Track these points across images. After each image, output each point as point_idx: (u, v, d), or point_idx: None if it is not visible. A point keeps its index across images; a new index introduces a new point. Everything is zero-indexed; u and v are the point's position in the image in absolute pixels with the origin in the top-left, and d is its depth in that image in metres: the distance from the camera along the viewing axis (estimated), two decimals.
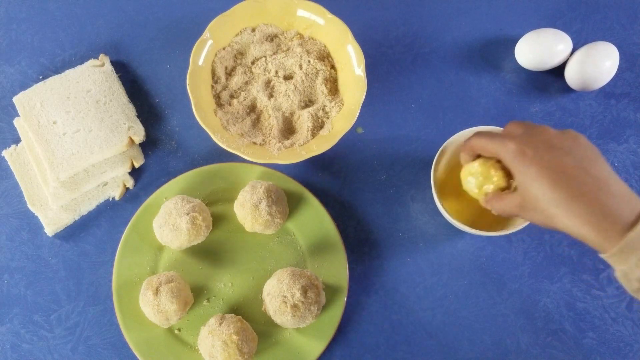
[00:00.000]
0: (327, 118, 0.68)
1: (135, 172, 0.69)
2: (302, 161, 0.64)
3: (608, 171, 0.48)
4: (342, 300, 0.63)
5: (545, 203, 0.47)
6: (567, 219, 0.46)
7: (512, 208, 0.51)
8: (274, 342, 0.63)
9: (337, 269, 0.64)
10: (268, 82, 0.69)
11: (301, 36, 0.71)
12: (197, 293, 0.64)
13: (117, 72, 0.71)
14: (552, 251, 0.66)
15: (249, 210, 0.61)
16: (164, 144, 0.70)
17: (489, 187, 0.54)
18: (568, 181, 0.46)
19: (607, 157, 0.70)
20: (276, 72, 0.70)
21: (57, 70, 0.71)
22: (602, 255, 0.46)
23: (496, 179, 0.53)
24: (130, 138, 0.67)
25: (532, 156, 0.48)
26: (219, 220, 0.66)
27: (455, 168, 0.65)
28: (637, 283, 0.45)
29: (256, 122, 0.69)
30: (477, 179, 0.54)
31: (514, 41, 0.72)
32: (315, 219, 0.66)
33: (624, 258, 0.44)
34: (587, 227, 0.45)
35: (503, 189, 0.53)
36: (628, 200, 0.46)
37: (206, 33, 0.68)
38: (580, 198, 0.46)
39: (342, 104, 0.68)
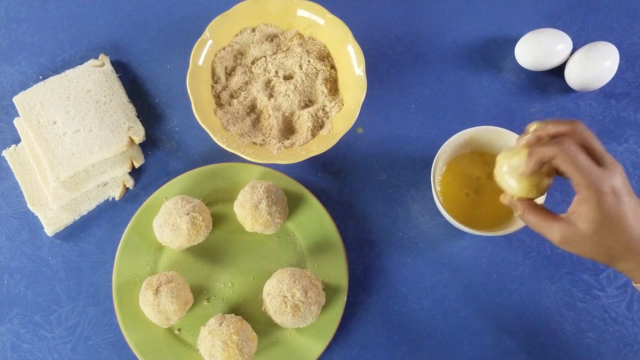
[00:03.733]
0: (327, 118, 0.68)
1: (135, 172, 0.69)
2: (302, 161, 0.64)
3: None
4: (342, 300, 0.63)
5: (613, 243, 0.46)
6: (628, 262, 0.47)
7: (558, 236, 0.47)
8: (274, 342, 0.63)
9: (337, 269, 0.64)
10: (268, 82, 0.69)
11: (301, 36, 0.71)
12: (197, 293, 0.64)
13: (117, 72, 0.71)
14: (552, 251, 0.66)
15: (249, 210, 0.61)
16: (164, 144, 0.70)
17: (529, 190, 0.49)
18: (638, 224, 0.46)
19: None
20: (276, 72, 0.70)
21: (57, 70, 0.71)
22: (635, 285, 0.48)
23: (544, 186, 0.48)
24: (130, 138, 0.67)
25: (617, 198, 0.45)
26: (219, 220, 0.66)
27: (454, 168, 0.65)
28: None
29: (256, 122, 0.69)
30: (525, 178, 0.48)
31: (514, 41, 0.72)
32: (315, 219, 0.66)
33: None
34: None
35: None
36: None
37: (206, 33, 0.68)
38: None
39: (342, 104, 0.68)
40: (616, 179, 0.45)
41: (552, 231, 0.48)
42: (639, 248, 0.46)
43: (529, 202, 0.50)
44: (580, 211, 0.46)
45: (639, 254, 0.46)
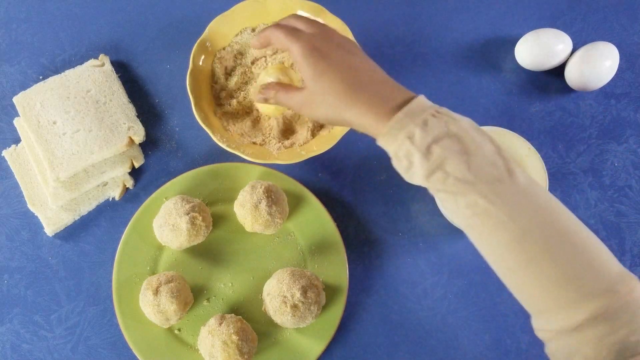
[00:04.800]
0: None
1: (135, 172, 0.69)
2: (302, 161, 0.64)
3: (385, 75, 0.52)
4: (342, 300, 0.63)
5: (333, 95, 0.50)
6: (351, 107, 0.49)
7: (297, 102, 0.54)
8: (274, 342, 0.63)
9: (337, 269, 0.64)
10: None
11: None
12: (197, 293, 0.64)
13: (117, 72, 0.71)
14: None
15: (249, 210, 0.61)
16: (164, 144, 0.70)
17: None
18: (354, 74, 0.50)
19: (607, 157, 0.70)
20: None
21: (57, 70, 0.71)
22: (378, 142, 0.49)
23: (294, 78, 0.59)
24: (130, 138, 0.67)
25: (324, 52, 0.51)
26: (219, 220, 0.66)
27: None
28: (405, 160, 0.47)
29: (256, 122, 0.68)
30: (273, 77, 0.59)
31: (514, 41, 0.72)
32: (315, 219, 0.66)
33: (394, 136, 0.47)
34: (368, 115, 0.49)
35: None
36: (401, 91, 0.50)
37: (206, 33, 0.68)
38: (363, 88, 0.49)
39: None
40: (316, 38, 0.52)
41: (293, 99, 0.54)
42: (355, 96, 0.49)
43: (276, 83, 0.56)
44: (302, 75, 0.52)
45: (358, 102, 0.49)
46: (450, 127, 0.46)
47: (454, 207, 0.47)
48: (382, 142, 0.49)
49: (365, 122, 0.49)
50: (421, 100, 0.49)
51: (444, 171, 0.46)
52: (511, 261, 0.46)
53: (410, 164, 0.47)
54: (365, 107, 0.49)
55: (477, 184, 0.45)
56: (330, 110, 0.51)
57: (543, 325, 0.46)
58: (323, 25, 0.54)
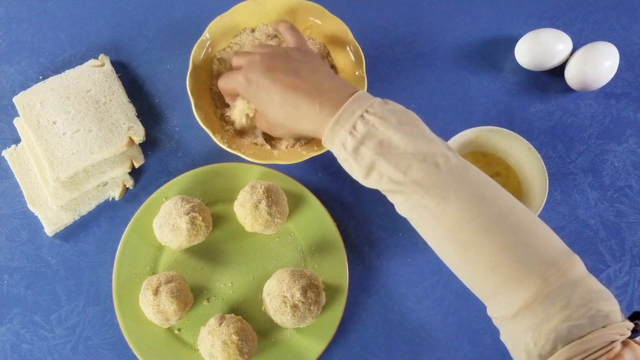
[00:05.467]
0: None
1: (135, 172, 0.69)
2: (302, 161, 0.64)
3: (325, 73, 0.54)
4: (342, 300, 0.63)
5: (279, 119, 0.54)
6: (297, 127, 0.53)
7: (264, 127, 0.60)
8: (274, 342, 0.63)
9: (337, 269, 0.64)
10: None
11: None
12: (197, 293, 0.64)
13: (117, 72, 0.71)
14: None
15: (249, 210, 0.61)
16: (164, 144, 0.70)
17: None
18: (287, 94, 0.52)
19: (607, 157, 0.70)
20: None
21: (57, 70, 0.71)
22: (324, 144, 0.52)
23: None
24: (130, 138, 0.67)
25: (256, 81, 0.55)
26: (219, 220, 0.66)
27: None
28: (346, 164, 0.50)
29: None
30: (245, 114, 0.63)
31: (514, 41, 0.72)
32: (315, 219, 0.66)
33: (331, 144, 0.50)
34: (310, 128, 0.52)
35: None
36: (339, 91, 0.52)
37: (206, 34, 0.68)
38: (298, 105, 0.52)
39: None
40: (250, 71, 0.55)
41: (260, 121, 0.60)
42: (296, 120, 0.53)
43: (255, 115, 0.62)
44: (254, 104, 0.58)
45: (300, 122, 0.53)
46: (377, 130, 0.48)
47: (396, 203, 0.50)
48: (327, 145, 0.52)
49: (312, 133, 0.53)
50: (357, 98, 0.50)
51: (378, 171, 0.48)
52: (450, 251, 0.48)
53: (350, 167, 0.50)
54: (306, 122, 0.52)
55: (407, 183, 0.47)
56: (285, 130, 0.57)
57: (491, 313, 0.47)
58: (264, 47, 0.59)
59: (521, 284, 0.43)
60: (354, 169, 0.50)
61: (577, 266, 0.44)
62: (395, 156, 0.47)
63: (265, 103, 0.55)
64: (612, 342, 0.41)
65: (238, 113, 0.63)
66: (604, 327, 0.41)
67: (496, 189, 0.47)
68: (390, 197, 0.50)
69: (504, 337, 0.47)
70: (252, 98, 0.56)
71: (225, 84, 0.60)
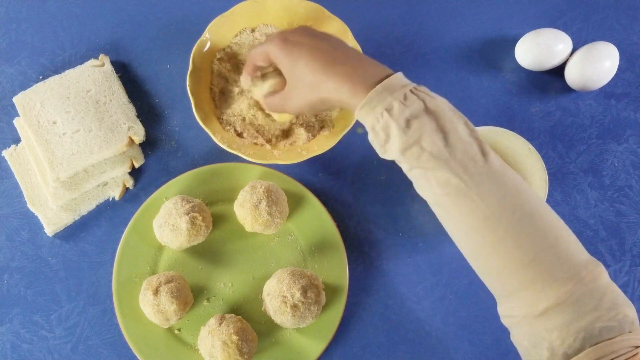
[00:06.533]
0: (328, 118, 0.68)
1: (135, 172, 0.69)
2: (302, 161, 0.64)
3: (364, 55, 0.53)
4: (342, 300, 0.63)
5: (310, 74, 0.51)
6: (327, 82, 0.50)
7: (280, 99, 0.57)
8: (274, 342, 0.63)
9: (337, 269, 0.64)
10: None
11: None
12: (197, 293, 0.64)
13: (117, 72, 0.71)
14: None
15: (249, 210, 0.61)
16: (164, 144, 0.70)
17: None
18: (329, 53, 0.51)
19: (607, 157, 0.70)
20: None
21: (57, 70, 0.71)
22: (356, 115, 0.50)
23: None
24: (130, 138, 0.67)
25: (294, 41, 0.53)
26: (219, 220, 0.66)
27: None
28: (382, 133, 0.48)
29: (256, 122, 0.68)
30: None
31: (514, 41, 0.72)
32: (315, 219, 0.66)
33: (372, 108, 0.48)
34: (344, 87, 0.49)
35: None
36: (379, 67, 0.51)
37: (206, 34, 0.68)
38: (339, 64, 0.51)
39: None
40: (288, 33, 0.54)
41: (278, 97, 0.58)
42: (331, 71, 0.50)
43: (269, 92, 0.60)
44: (281, 68, 0.55)
45: (334, 76, 0.50)
46: (429, 104, 0.47)
47: (427, 185, 0.48)
48: (360, 115, 0.49)
49: (343, 95, 0.50)
50: (399, 76, 0.49)
51: (420, 146, 0.46)
52: (479, 241, 0.46)
53: (387, 137, 0.48)
54: (341, 80, 0.50)
55: (451, 162, 0.46)
56: (309, 92, 0.53)
57: (508, 311, 0.47)
58: (297, 27, 0.57)
59: (555, 282, 0.43)
60: (394, 139, 0.47)
61: (605, 273, 0.45)
62: (444, 134, 0.46)
63: (295, 55, 0.52)
64: (637, 347, 0.41)
65: (268, 86, 0.61)
66: (629, 332, 0.42)
67: (533, 192, 0.48)
68: (421, 177, 0.48)
69: (518, 336, 0.46)
70: (284, 56, 0.54)
71: (256, 50, 0.58)
